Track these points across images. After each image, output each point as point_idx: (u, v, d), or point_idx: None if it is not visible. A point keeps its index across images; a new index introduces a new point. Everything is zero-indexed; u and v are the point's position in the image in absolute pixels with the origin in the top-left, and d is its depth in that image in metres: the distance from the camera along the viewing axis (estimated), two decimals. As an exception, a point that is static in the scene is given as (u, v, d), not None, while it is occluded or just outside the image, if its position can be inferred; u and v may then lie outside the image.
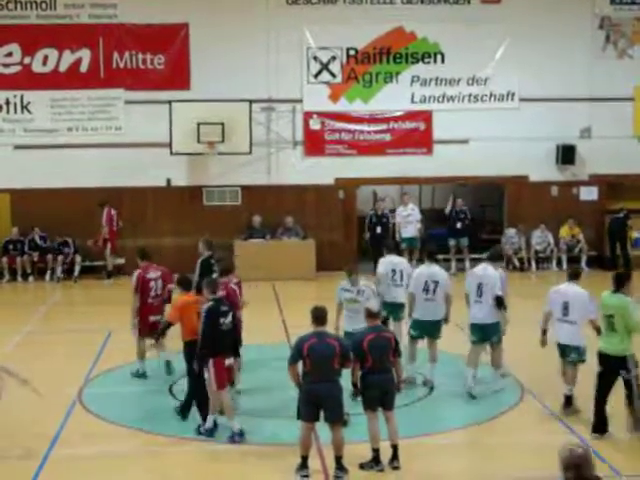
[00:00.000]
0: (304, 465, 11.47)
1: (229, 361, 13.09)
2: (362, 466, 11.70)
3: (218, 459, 12.20)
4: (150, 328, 15.82)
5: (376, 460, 11.70)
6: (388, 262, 16.22)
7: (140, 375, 16.17)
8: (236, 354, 13.46)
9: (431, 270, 15.31)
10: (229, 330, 13.07)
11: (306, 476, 11.42)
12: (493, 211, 28.87)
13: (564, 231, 27.12)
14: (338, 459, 11.50)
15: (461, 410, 14.55)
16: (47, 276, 25.84)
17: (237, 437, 12.74)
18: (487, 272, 14.85)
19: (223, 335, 12.94)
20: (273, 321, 20.32)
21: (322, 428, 11.71)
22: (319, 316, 11.55)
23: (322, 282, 25.15)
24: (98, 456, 12.43)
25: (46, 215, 25.58)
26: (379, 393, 11.73)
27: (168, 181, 26.55)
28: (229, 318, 13.08)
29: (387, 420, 11.86)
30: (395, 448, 11.76)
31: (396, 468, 11.69)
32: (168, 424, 13.63)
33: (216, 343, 12.86)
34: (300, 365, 11.57)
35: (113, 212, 25.64)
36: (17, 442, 12.99)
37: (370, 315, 12.16)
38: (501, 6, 26.75)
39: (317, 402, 11.38)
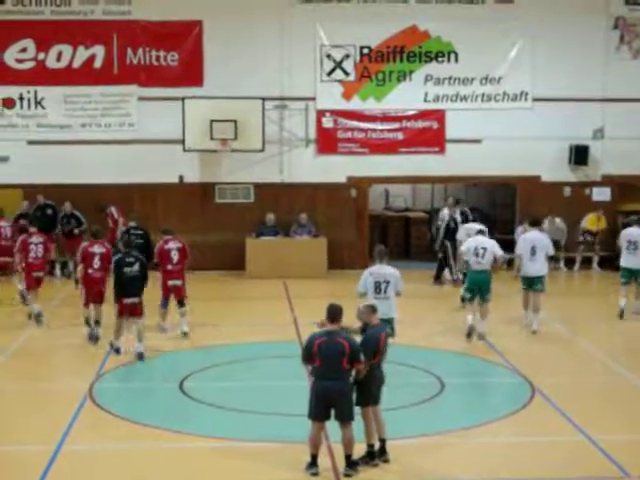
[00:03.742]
0: (314, 463, 11.47)
1: (130, 300, 16.89)
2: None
3: (227, 456, 12.21)
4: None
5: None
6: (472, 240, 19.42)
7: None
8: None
9: (479, 239, 18.65)
10: (134, 277, 16.93)
11: (316, 474, 11.43)
12: (506, 211, 28.81)
13: (591, 222, 26.86)
14: (348, 457, 11.50)
15: (470, 409, 14.57)
16: (57, 271, 25.82)
17: (114, 351, 17.09)
18: (538, 236, 19.26)
19: (126, 280, 16.89)
20: (284, 319, 20.34)
21: (333, 427, 11.71)
22: (331, 313, 11.53)
23: (333, 280, 25.16)
24: (108, 451, 12.47)
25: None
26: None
27: (180, 178, 26.59)
28: (135, 267, 16.95)
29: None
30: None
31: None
32: (178, 420, 13.66)
33: (119, 286, 16.88)
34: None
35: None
36: (28, 437, 13.03)
37: (374, 311, 12.18)
38: (515, 5, 26.70)
39: (327, 401, 11.37)
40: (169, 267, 18.84)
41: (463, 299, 20.29)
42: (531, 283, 19.11)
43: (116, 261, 17.15)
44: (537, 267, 19.05)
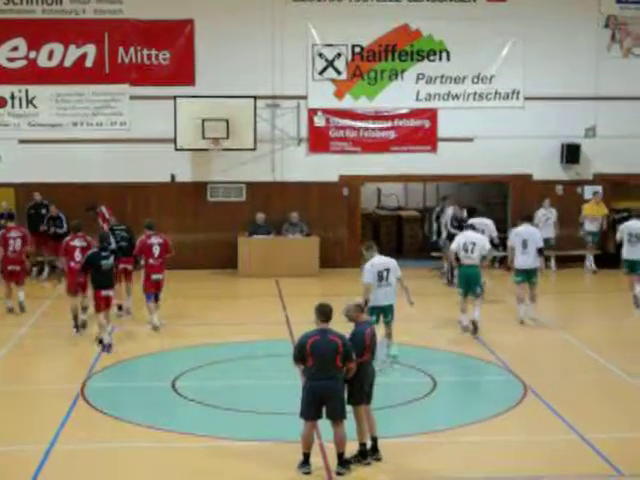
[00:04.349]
0: (306, 462, 11.47)
1: (107, 292, 17.57)
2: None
3: (220, 455, 12.19)
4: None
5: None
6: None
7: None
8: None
9: (468, 234, 19.15)
10: (110, 269, 17.71)
11: (308, 473, 11.42)
12: (499, 209, 28.80)
13: (590, 208, 26.57)
14: (340, 456, 11.49)
15: (462, 408, 14.57)
16: (45, 272, 25.62)
17: (106, 348, 17.27)
18: (529, 230, 19.88)
19: (104, 273, 17.53)
20: (276, 317, 20.33)
21: (325, 426, 11.71)
22: (324, 312, 11.52)
23: (325, 279, 25.17)
24: (100, 450, 12.44)
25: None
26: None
27: (172, 177, 26.56)
28: (110, 260, 17.73)
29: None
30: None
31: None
32: (170, 419, 13.65)
33: (96, 280, 17.50)
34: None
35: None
36: (19, 436, 13.00)
37: (362, 310, 12.19)
38: (507, 4, 26.68)
39: (319, 400, 11.36)
40: (151, 261, 19.40)
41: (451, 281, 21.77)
42: (525, 276, 19.65)
43: (91, 256, 17.74)
44: (530, 260, 19.62)
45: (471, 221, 22.05)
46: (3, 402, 14.72)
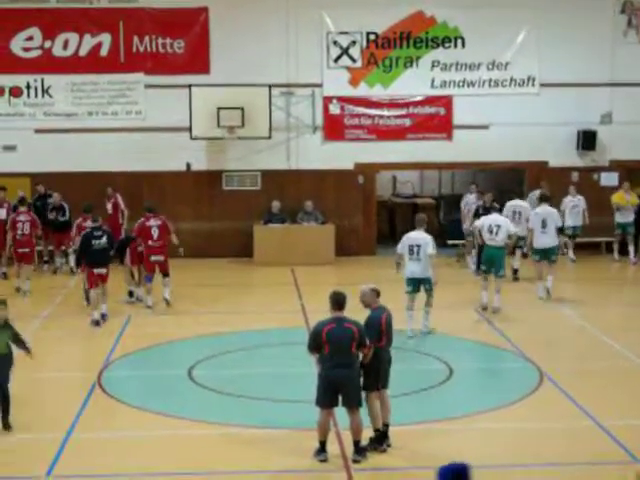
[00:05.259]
0: (322, 449, 11.49)
1: (99, 270, 18.56)
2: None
3: (236, 442, 12.23)
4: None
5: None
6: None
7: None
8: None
9: (493, 217, 20.05)
10: (102, 249, 18.66)
11: (324, 460, 11.44)
12: (514, 196, 28.68)
13: (618, 197, 26.00)
14: (356, 443, 11.51)
15: (478, 395, 14.58)
16: (58, 260, 25.56)
17: (100, 321, 18.45)
18: (547, 210, 20.82)
19: (95, 252, 18.60)
20: (292, 305, 20.36)
21: (341, 414, 11.72)
22: (338, 301, 11.53)
23: (341, 267, 25.15)
24: (117, 439, 12.51)
25: (65, 199, 25.46)
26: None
27: (188, 165, 26.58)
28: (103, 240, 18.66)
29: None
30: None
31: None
32: (187, 407, 13.69)
33: (89, 258, 18.64)
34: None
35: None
36: (37, 425, 13.07)
37: (377, 295, 12.18)
38: (521, -10, 26.65)
39: (335, 387, 11.38)
40: (150, 243, 20.02)
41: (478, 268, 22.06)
42: (544, 255, 20.58)
43: (85, 235, 18.94)
44: (548, 240, 20.58)
45: (508, 204, 23.10)
46: (21, 390, 14.76)
